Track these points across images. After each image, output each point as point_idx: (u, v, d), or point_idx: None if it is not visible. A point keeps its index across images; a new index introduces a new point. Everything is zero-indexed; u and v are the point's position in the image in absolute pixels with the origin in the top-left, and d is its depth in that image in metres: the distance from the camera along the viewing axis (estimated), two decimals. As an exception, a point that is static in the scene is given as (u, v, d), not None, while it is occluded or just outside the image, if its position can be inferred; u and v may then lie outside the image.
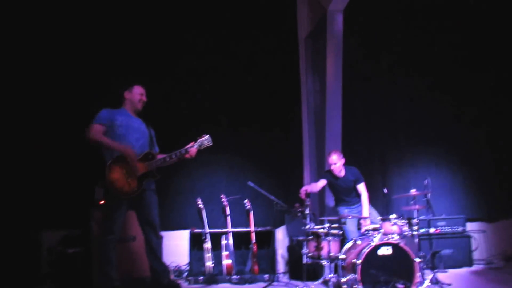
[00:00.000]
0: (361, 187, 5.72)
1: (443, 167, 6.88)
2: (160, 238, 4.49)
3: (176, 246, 5.97)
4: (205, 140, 4.34)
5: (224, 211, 5.74)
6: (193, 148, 4.31)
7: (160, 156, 4.31)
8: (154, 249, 4.37)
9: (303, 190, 5.41)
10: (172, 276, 5.49)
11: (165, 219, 5.31)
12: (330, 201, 6.26)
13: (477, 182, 6.88)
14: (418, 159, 6.87)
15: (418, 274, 4.64)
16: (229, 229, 5.68)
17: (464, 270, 6.09)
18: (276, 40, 6.77)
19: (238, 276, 5.43)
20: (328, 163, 5.65)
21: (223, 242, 5.63)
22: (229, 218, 5.71)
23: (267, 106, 6.58)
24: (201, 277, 5.43)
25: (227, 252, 5.59)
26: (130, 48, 6.10)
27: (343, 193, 5.76)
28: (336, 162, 5.58)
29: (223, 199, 5.76)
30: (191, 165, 6.03)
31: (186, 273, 5.79)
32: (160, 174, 4.30)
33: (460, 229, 6.35)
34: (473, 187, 6.86)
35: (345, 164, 5.73)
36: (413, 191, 5.16)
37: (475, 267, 6.22)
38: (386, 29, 6.95)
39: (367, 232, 4.96)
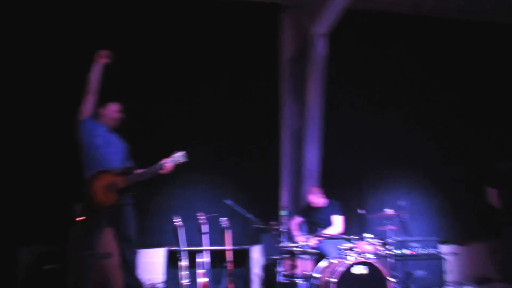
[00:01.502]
0: (337, 219, 5.81)
1: (418, 190, 7.05)
2: (135, 254, 4.48)
3: (152, 264, 5.94)
4: (180, 156, 4.34)
5: (201, 229, 5.75)
6: (167, 163, 4.31)
7: (137, 171, 4.34)
8: (130, 264, 4.36)
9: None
10: (147, 294, 5.47)
11: (142, 236, 5.26)
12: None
13: (450, 206, 7.07)
14: (394, 182, 7.03)
15: (391, 294, 4.72)
16: (206, 247, 5.69)
17: (436, 292, 6.19)
18: (258, 62, 6.87)
19: (213, 295, 5.44)
20: (310, 201, 5.88)
21: (199, 260, 5.63)
22: (205, 236, 5.72)
23: (247, 127, 6.67)
24: (176, 295, 5.42)
25: (203, 270, 5.58)
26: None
27: (320, 225, 5.79)
28: (315, 201, 5.83)
29: (200, 217, 5.77)
30: (169, 183, 6.09)
31: (161, 291, 5.74)
32: (139, 192, 4.36)
33: (433, 251, 6.47)
34: (446, 210, 7.06)
35: (326, 195, 5.93)
36: (388, 211, 5.27)
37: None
38: (367, 55, 7.16)
39: (342, 251, 5.03)
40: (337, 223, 5.80)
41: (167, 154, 4.37)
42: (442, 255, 6.48)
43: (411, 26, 7.40)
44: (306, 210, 6.02)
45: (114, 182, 4.18)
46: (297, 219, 6.10)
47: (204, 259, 5.60)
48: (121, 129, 4.57)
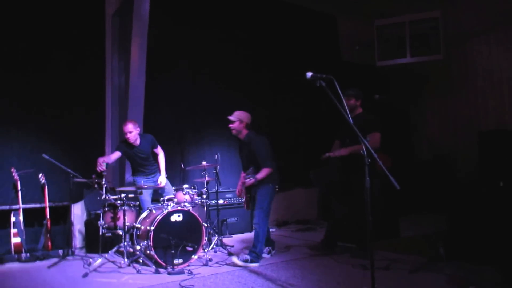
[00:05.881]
0: (158, 149, 6.02)
1: (232, 147, 7.69)
2: None
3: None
4: None
5: (15, 186, 5.45)
6: None
7: None
8: None
9: (99, 160, 5.36)
10: None
11: None
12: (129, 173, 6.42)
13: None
14: (213, 140, 7.56)
15: (205, 238, 5.24)
16: (20, 205, 5.42)
17: (245, 235, 7.04)
18: (81, 14, 6.52)
19: (28, 254, 5.26)
20: (124, 131, 5.73)
21: (12, 219, 5.35)
22: (20, 194, 5.44)
23: (69, 80, 6.35)
24: (-15, 257, 5.10)
25: (15, 230, 5.33)
26: None
27: (139, 162, 5.87)
28: (132, 131, 5.69)
29: (14, 173, 5.45)
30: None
31: (-34, 254, 5.33)
32: None
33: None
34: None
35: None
36: (204, 163, 5.75)
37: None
38: (190, 22, 7.42)
39: (162, 201, 5.35)
40: (160, 151, 6.02)
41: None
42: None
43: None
44: (124, 145, 5.87)
45: None
46: (115, 154, 5.88)
47: (18, 218, 5.34)
48: None
